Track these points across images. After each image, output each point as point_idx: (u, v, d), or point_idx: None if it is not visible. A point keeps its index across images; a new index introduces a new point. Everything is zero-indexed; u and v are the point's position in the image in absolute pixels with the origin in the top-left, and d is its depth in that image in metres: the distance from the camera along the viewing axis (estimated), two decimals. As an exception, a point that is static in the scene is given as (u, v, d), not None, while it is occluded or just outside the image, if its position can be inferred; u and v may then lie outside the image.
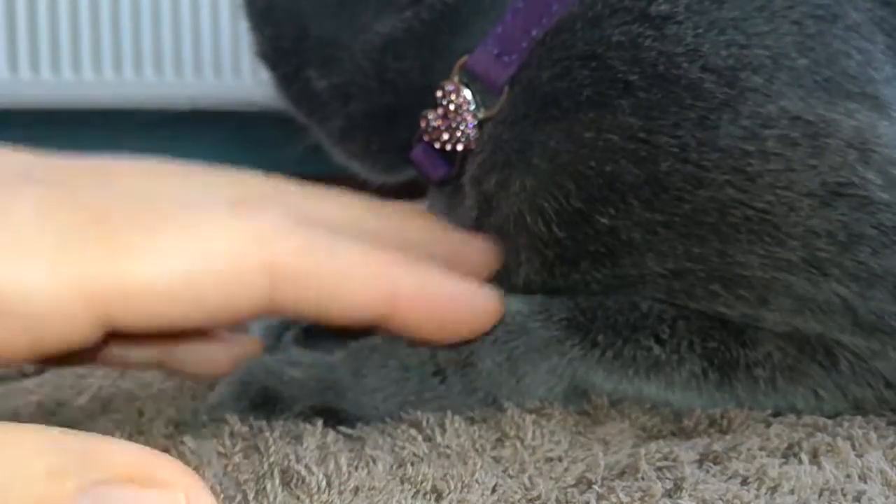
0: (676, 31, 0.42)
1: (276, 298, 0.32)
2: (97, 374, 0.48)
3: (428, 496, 0.32)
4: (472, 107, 0.45)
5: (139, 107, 1.44)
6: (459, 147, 0.45)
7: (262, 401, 0.39)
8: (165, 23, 1.51)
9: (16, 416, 0.42)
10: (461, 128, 0.45)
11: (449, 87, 0.45)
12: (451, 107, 0.45)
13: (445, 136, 0.45)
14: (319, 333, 0.49)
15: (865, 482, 0.33)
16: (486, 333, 0.40)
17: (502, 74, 0.44)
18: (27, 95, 1.46)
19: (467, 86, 0.45)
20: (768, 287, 0.39)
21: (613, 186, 0.41)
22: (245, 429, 0.38)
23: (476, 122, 0.45)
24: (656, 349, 0.40)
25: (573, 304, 0.41)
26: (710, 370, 0.40)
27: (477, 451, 0.36)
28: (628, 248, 0.41)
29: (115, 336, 0.30)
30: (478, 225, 0.45)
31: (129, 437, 0.38)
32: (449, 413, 0.39)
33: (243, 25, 0.52)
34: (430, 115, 0.46)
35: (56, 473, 0.26)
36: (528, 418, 0.38)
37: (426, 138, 0.46)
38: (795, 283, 0.39)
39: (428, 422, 0.38)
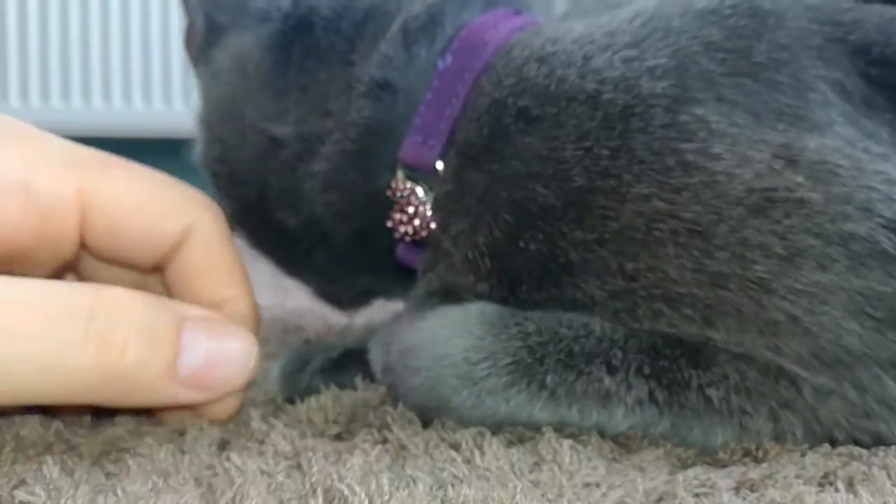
0: (566, 59, 0.43)
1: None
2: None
3: (469, 517, 0.33)
4: (420, 193, 0.47)
5: (129, 135, 1.46)
6: (425, 233, 0.47)
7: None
8: (155, 51, 1.53)
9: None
10: (419, 214, 0.47)
11: (394, 185, 0.47)
12: (404, 201, 0.47)
13: (411, 230, 0.47)
14: (344, 364, 0.50)
15: (902, 512, 0.33)
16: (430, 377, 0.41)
17: (431, 155, 0.46)
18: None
19: (409, 178, 0.47)
20: (710, 306, 0.39)
21: (530, 211, 0.42)
22: (288, 447, 0.39)
23: (429, 206, 0.47)
24: (606, 380, 0.40)
25: (521, 343, 0.41)
26: (658, 390, 0.39)
27: (515, 474, 0.37)
28: (567, 269, 0.41)
29: None
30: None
31: (173, 456, 0.39)
32: (487, 435, 0.39)
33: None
34: (395, 217, 0.48)
35: (156, 305, 0.37)
36: (566, 443, 0.39)
37: (398, 237, 0.48)
38: (734, 299, 0.38)
39: (467, 443, 0.39)
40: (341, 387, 0.48)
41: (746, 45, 0.41)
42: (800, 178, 0.38)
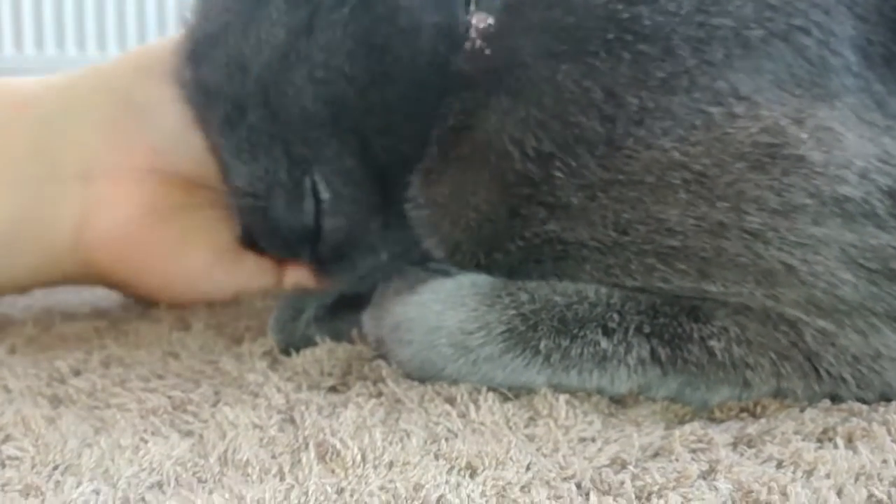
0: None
1: None
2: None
3: (462, 472, 0.32)
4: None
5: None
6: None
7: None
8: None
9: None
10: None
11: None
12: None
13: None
14: (339, 310, 0.49)
15: (902, 468, 0.33)
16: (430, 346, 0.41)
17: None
18: (32, 72, 1.47)
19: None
20: (707, 258, 0.39)
21: (579, 138, 0.41)
22: (282, 401, 0.38)
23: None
24: (603, 342, 0.40)
25: (514, 312, 0.41)
26: (660, 346, 0.39)
27: (510, 428, 0.36)
28: (564, 210, 0.41)
29: None
30: (441, 155, 0.45)
31: (163, 408, 0.39)
32: (483, 390, 0.39)
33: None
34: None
35: None
36: (562, 398, 0.38)
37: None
38: (731, 248, 0.39)
39: (462, 398, 0.38)
40: (336, 335, 0.47)
41: (790, 5, 0.41)
42: (804, 135, 0.39)
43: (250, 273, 0.57)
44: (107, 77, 0.53)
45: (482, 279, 0.42)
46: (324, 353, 0.45)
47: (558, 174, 0.41)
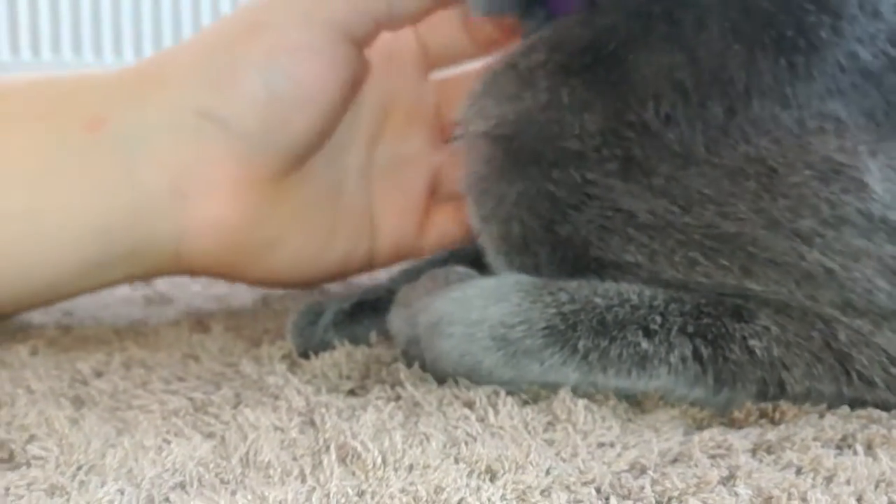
0: None
1: None
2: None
3: (482, 476, 0.32)
4: None
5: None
6: None
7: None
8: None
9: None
10: None
11: None
12: None
13: None
14: (357, 315, 0.49)
15: (922, 475, 0.33)
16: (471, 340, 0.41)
17: None
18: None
19: None
20: (752, 256, 0.40)
21: (701, 114, 0.41)
22: (302, 403, 0.38)
23: None
24: (644, 343, 0.40)
25: (555, 311, 0.41)
26: (703, 346, 0.40)
27: (529, 432, 0.36)
28: (642, 171, 0.42)
29: None
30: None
31: (185, 409, 0.39)
32: (501, 394, 0.39)
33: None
34: None
35: None
36: (580, 403, 0.38)
37: None
38: (778, 246, 0.40)
39: (480, 401, 0.38)
40: (354, 340, 0.47)
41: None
42: (872, 166, 0.40)
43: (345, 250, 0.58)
44: (174, 91, 0.53)
45: (524, 278, 0.43)
46: (342, 356, 0.45)
47: (665, 137, 0.42)
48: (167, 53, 0.58)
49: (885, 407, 0.39)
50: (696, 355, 0.40)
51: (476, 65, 0.56)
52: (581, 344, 0.40)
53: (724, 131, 0.41)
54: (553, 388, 0.40)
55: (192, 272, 0.57)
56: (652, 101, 0.42)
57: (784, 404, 0.39)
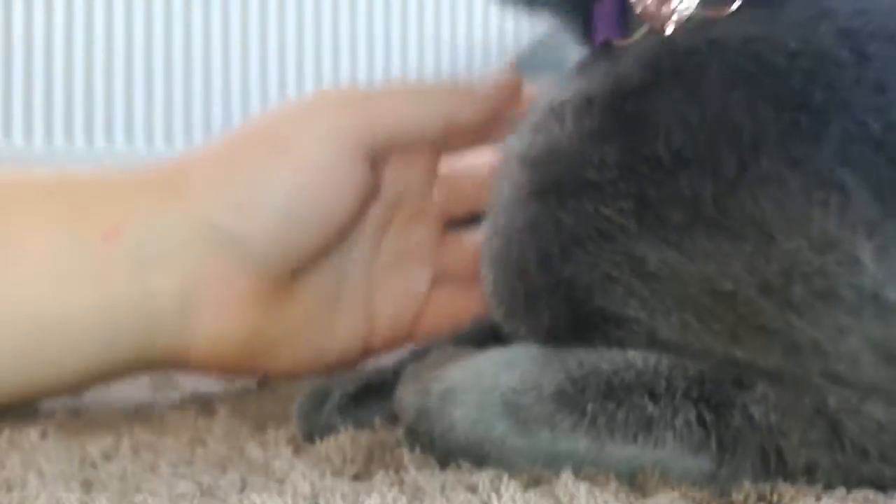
0: None
1: None
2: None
3: (486, 560, 0.33)
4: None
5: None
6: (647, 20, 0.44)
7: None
8: (158, 92, 1.55)
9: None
10: (674, 4, 0.44)
11: None
12: None
13: (649, 1, 0.44)
14: (363, 399, 0.50)
15: (918, 559, 0.33)
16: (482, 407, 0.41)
17: None
18: (21, 163, 1.50)
19: None
20: (742, 319, 0.40)
21: (717, 163, 0.41)
22: (308, 488, 0.39)
23: (690, 10, 0.44)
24: (650, 407, 0.41)
25: (564, 376, 0.41)
26: (706, 411, 0.40)
27: (532, 516, 0.37)
28: (653, 215, 0.41)
29: None
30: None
31: (193, 494, 0.39)
32: (504, 478, 0.40)
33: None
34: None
35: None
36: (582, 487, 0.39)
37: None
38: (767, 311, 0.40)
39: (484, 486, 0.39)
40: (359, 424, 0.48)
41: None
42: (867, 244, 0.40)
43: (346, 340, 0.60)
44: (193, 204, 0.54)
45: (535, 348, 0.44)
46: (347, 440, 0.46)
47: (678, 178, 0.42)
48: (188, 162, 0.58)
49: (881, 481, 0.39)
50: (700, 420, 0.40)
51: (484, 156, 0.58)
52: (590, 407, 0.41)
53: (734, 186, 0.41)
54: (561, 460, 0.41)
55: (197, 371, 0.59)
56: (663, 135, 0.42)
57: (782, 486, 0.40)
